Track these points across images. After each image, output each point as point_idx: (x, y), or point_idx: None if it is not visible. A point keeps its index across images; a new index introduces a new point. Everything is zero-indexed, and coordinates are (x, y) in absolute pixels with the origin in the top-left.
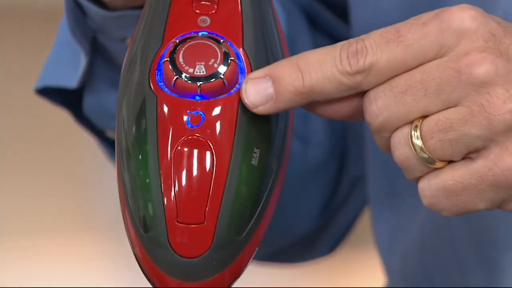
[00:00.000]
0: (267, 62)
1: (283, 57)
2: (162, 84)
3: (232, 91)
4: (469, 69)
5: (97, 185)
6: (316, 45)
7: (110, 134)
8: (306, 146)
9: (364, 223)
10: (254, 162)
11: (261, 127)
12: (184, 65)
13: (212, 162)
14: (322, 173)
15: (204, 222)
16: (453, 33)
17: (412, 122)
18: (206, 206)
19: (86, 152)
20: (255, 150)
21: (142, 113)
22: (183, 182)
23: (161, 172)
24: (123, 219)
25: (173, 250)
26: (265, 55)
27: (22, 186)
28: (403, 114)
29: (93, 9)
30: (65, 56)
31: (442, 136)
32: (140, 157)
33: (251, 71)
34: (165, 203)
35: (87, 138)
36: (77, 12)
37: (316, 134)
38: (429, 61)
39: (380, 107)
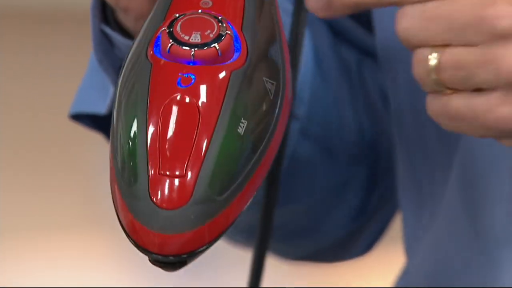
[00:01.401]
0: (265, 51)
1: (282, 53)
2: (159, 53)
3: (225, 62)
4: (493, 21)
5: (105, 182)
6: (340, 56)
7: None
8: (336, 159)
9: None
10: (240, 131)
11: (252, 101)
12: (180, 33)
13: (197, 121)
14: (352, 183)
15: (185, 176)
16: None
17: (433, 46)
18: (188, 160)
19: (93, 148)
20: (243, 121)
21: (136, 78)
22: (168, 135)
23: (148, 124)
24: (110, 182)
25: (153, 201)
26: (263, 44)
27: (28, 184)
28: (424, 38)
29: (120, 40)
30: (96, 82)
31: (455, 72)
32: (129, 111)
33: (247, 53)
34: (149, 154)
35: (94, 135)
36: (104, 43)
37: (347, 146)
38: None
39: (405, 27)
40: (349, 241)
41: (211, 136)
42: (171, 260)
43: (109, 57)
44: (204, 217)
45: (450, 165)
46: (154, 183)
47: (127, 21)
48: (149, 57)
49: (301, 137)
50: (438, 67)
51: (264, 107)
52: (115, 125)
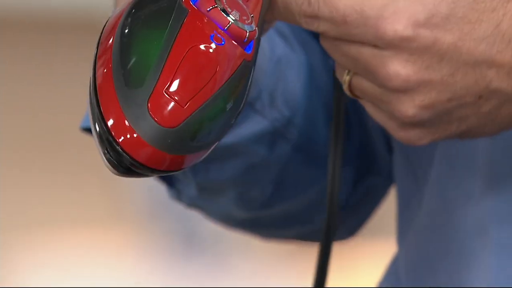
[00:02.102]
0: (255, 58)
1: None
2: (196, 4)
3: (243, 48)
4: (385, 81)
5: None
6: (331, 70)
7: None
8: (325, 165)
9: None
10: (227, 107)
11: (241, 92)
12: (225, 3)
13: (211, 75)
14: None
15: (183, 107)
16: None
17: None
18: (193, 97)
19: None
20: (231, 101)
21: (167, 11)
22: (186, 67)
23: (172, 48)
24: (100, 81)
25: (148, 109)
26: (256, 51)
27: (46, 180)
28: (341, 63)
29: None
30: None
31: (362, 95)
32: (154, 31)
33: (255, 54)
34: (164, 70)
35: None
36: None
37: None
38: (368, 44)
39: (326, 48)
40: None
41: (215, 94)
42: (128, 162)
43: None
44: (174, 148)
45: (431, 162)
46: (157, 95)
47: None
48: (184, 3)
49: (293, 152)
50: (349, 85)
51: (243, 101)
52: (126, 30)
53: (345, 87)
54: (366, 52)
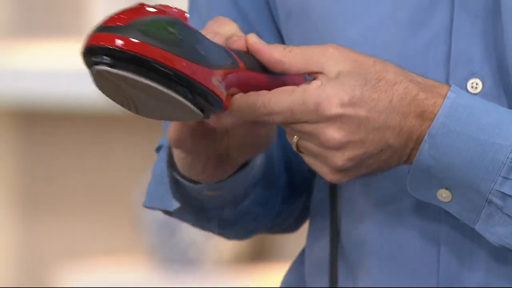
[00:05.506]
0: None
1: None
2: None
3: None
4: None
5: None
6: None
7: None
8: (273, 190)
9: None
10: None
11: None
12: None
13: None
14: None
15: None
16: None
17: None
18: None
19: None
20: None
21: None
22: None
23: None
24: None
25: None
26: None
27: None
28: (291, 135)
29: (188, 185)
30: (162, 189)
31: (307, 152)
32: None
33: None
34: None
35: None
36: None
37: (281, 185)
38: (310, 122)
39: (282, 126)
40: (274, 229)
41: None
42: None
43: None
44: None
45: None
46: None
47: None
48: None
49: (251, 187)
50: (297, 145)
51: None
52: None
53: (293, 146)
54: (309, 126)
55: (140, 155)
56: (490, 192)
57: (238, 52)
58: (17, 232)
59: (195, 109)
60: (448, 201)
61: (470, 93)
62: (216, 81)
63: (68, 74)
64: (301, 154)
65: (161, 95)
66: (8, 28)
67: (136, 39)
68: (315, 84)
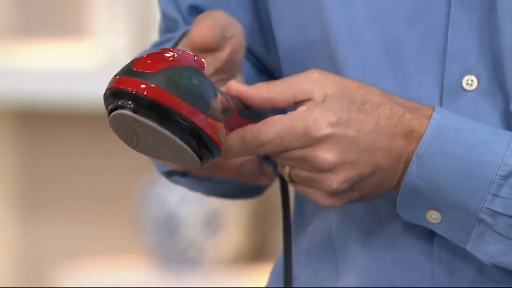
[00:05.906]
0: None
1: None
2: None
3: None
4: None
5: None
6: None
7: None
8: None
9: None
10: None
11: None
12: None
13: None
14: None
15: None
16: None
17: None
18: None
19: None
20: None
21: None
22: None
23: None
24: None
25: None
26: None
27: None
28: (280, 164)
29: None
30: None
31: (297, 181)
32: None
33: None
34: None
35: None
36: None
37: None
38: (301, 147)
39: (272, 157)
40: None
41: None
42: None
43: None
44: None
45: None
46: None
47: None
48: None
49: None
50: (289, 175)
51: None
52: None
53: (286, 177)
54: (300, 152)
55: (140, 155)
56: (480, 210)
57: (230, 96)
58: (17, 232)
59: (196, 158)
60: (438, 223)
61: (466, 90)
62: (221, 135)
63: (68, 74)
64: (293, 185)
65: (170, 142)
66: (8, 28)
67: (164, 89)
68: (301, 109)
